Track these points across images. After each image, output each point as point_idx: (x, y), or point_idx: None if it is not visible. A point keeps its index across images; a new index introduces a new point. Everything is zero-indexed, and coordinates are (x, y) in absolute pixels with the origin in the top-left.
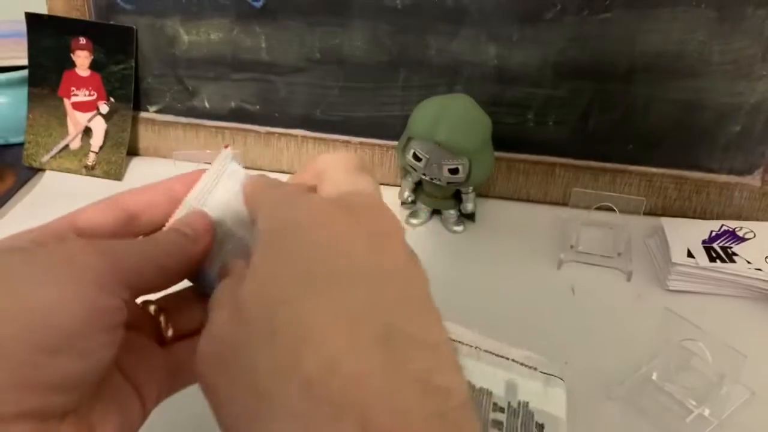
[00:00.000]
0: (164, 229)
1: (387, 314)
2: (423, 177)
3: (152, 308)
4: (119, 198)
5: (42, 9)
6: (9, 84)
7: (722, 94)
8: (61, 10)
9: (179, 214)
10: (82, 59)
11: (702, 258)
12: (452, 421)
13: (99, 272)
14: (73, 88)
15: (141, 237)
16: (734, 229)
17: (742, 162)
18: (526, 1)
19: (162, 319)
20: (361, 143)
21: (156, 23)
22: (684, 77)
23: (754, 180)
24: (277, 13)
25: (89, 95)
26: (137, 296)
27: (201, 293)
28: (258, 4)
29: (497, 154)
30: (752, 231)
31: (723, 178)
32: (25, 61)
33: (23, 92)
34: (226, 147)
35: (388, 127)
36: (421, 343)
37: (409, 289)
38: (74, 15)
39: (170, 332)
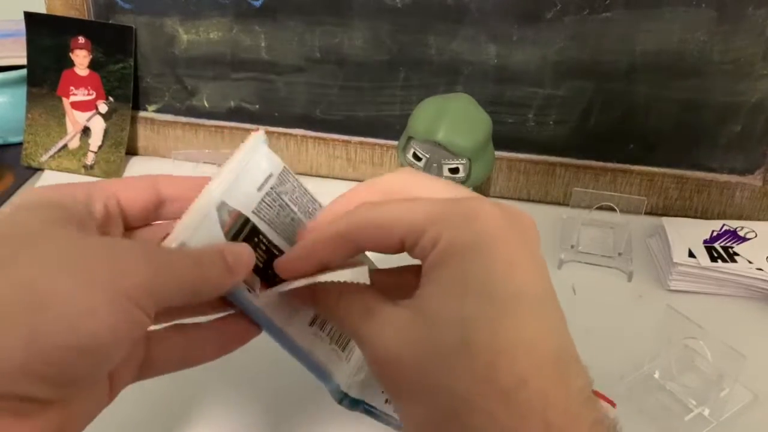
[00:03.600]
0: (205, 247)
1: (557, 335)
2: None
3: None
4: (157, 180)
5: (41, 8)
6: (8, 83)
7: (723, 94)
8: (60, 10)
9: (198, 203)
10: (81, 58)
11: (703, 258)
12: (607, 428)
13: (139, 284)
14: (71, 88)
15: (182, 247)
16: (735, 228)
17: (743, 161)
18: (527, 1)
19: None
20: (360, 143)
21: (155, 22)
22: (684, 77)
23: (755, 180)
24: (277, 12)
25: (88, 95)
26: (168, 307)
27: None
28: (257, 3)
29: (497, 153)
30: (753, 231)
31: (724, 177)
32: (23, 61)
33: (22, 92)
34: (257, 130)
35: (388, 127)
36: (578, 362)
37: (561, 310)
38: (73, 14)
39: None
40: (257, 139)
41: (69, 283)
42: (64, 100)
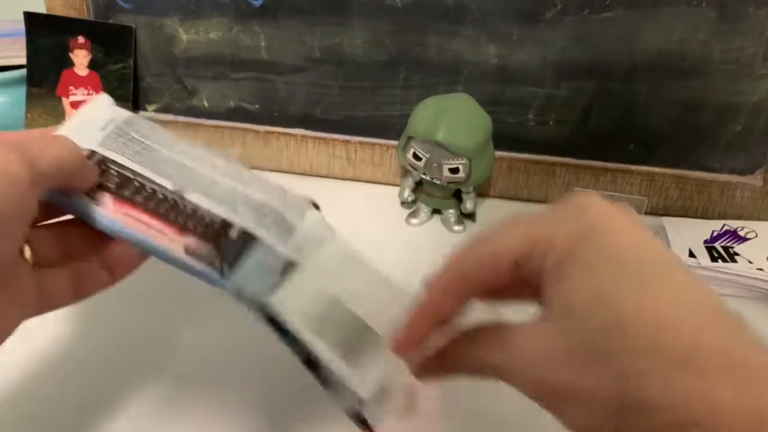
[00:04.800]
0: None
1: (708, 293)
2: (423, 177)
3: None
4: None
5: (40, 8)
6: (7, 83)
7: (723, 94)
8: (59, 10)
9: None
10: (80, 58)
11: (704, 258)
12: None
13: (18, 171)
14: (71, 88)
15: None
16: (736, 228)
17: (744, 161)
18: (527, 1)
19: (26, 250)
20: (360, 143)
21: (155, 22)
22: (685, 76)
23: (755, 179)
24: (277, 12)
25: (88, 94)
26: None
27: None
28: (257, 3)
29: (497, 153)
30: (754, 231)
31: (724, 177)
32: (23, 61)
33: (21, 91)
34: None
35: (388, 127)
36: (735, 315)
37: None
38: (73, 14)
39: (30, 258)
40: (100, 98)
41: None
42: (64, 100)
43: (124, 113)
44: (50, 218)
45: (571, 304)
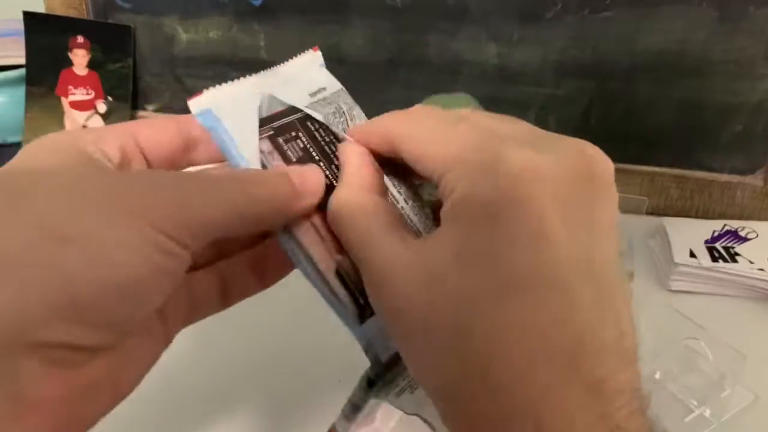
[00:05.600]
0: (259, 168)
1: (579, 325)
2: None
3: None
4: (184, 120)
5: (40, 8)
6: (7, 83)
7: (724, 94)
8: (58, 9)
9: (240, 88)
10: (79, 58)
11: (704, 258)
12: (616, 422)
13: (167, 213)
14: (70, 87)
15: (227, 171)
16: (736, 229)
17: (744, 161)
18: (527, 0)
19: None
20: None
21: (154, 22)
22: (685, 76)
23: (756, 179)
24: (277, 11)
25: (87, 94)
26: (212, 240)
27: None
28: (257, 2)
29: None
30: (755, 231)
31: (725, 177)
32: (22, 60)
33: (21, 91)
34: (314, 49)
35: None
36: (608, 346)
37: (606, 285)
38: (72, 14)
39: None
40: (314, 56)
41: (91, 216)
42: (63, 99)
43: (336, 84)
44: None
45: (432, 273)
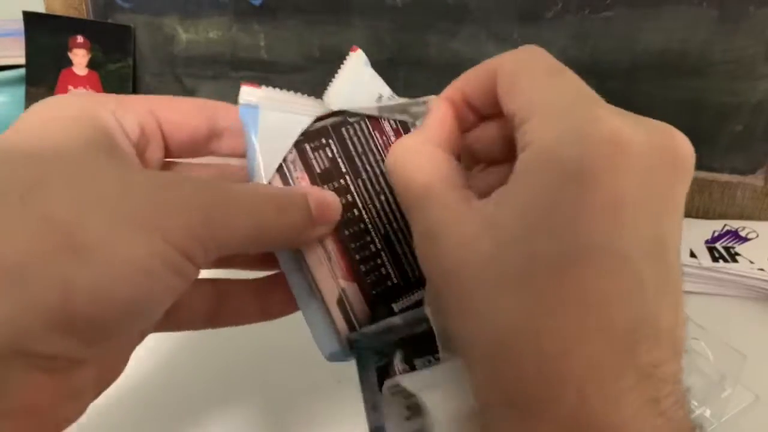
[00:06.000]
0: (286, 186)
1: (642, 306)
2: None
3: None
4: (211, 105)
5: (39, 7)
6: (6, 83)
7: (724, 94)
8: (58, 9)
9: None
10: (79, 58)
11: (704, 258)
12: (662, 409)
13: (188, 229)
14: (70, 87)
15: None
16: (737, 229)
17: (745, 161)
18: (527, 0)
19: None
20: None
21: (154, 22)
22: (685, 76)
23: (756, 180)
24: (277, 11)
25: None
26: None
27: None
28: (257, 2)
29: None
30: (755, 231)
31: (725, 177)
32: (22, 60)
33: (21, 91)
34: (353, 50)
35: None
36: (664, 333)
37: (671, 271)
38: (72, 13)
39: None
40: (359, 58)
41: (107, 224)
42: None
43: (387, 88)
44: None
45: (498, 231)
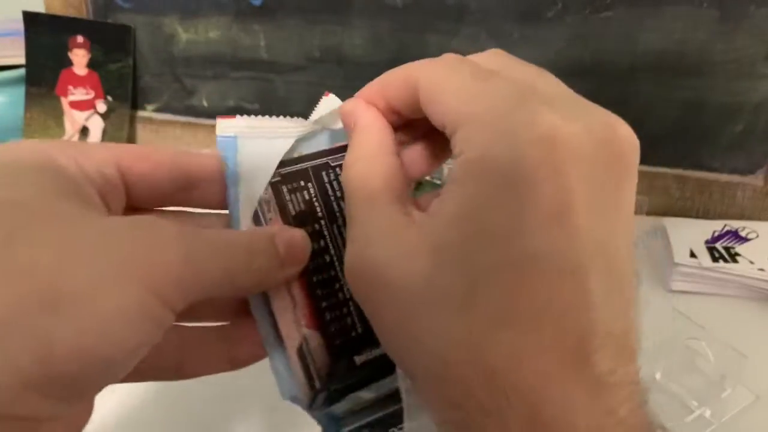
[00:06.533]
0: (255, 229)
1: (592, 314)
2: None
3: None
4: (182, 157)
5: (39, 7)
6: (6, 83)
7: (724, 94)
8: (58, 9)
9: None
10: (79, 58)
11: (705, 258)
12: (620, 418)
13: (171, 276)
14: (70, 87)
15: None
16: (737, 229)
17: (745, 161)
18: (527, 0)
19: None
20: None
21: (154, 21)
22: (686, 76)
23: (756, 180)
24: (277, 11)
25: (87, 94)
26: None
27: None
28: (257, 2)
29: None
30: (755, 231)
31: (725, 177)
32: (22, 60)
33: (20, 91)
34: (326, 95)
35: None
36: (616, 339)
37: (620, 275)
38: (72, 13)
39: None
40: (330, 102)
41: (88, 273)
42: (63, 99)
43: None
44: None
45: (433, 243)
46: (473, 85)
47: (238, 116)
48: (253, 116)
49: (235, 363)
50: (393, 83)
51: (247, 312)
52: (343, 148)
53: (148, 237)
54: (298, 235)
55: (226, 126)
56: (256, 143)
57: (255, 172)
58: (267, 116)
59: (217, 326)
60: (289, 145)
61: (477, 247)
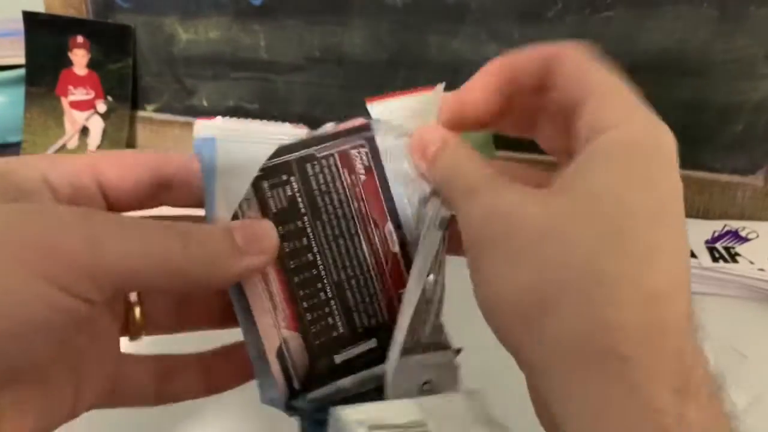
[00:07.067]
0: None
1: (687, 294)
2: None
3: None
4: (156, 157)
5: (39, 7)
6: (6, 83)
7: (725, 93)
8: (58, 9)
9: None
10: (79, 58)
11: (705, 258)
12: (696, 385)
13: (69, 263)
14: (70, 87)
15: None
16: (737, 229)
17: (745, 161)
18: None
19: (137, 311)
20: None
21: (154, 21)
22: (686, 76)
23: (756, 180)
24: (277, 11)
25: (87, 94)
26: (127, 292)
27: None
28: (257, 2)
29: (499, 153)
30: (755, 231)
31: (725, 177)
32: (22, 60)
33: (20, 91)
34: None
35: None
36: (692, 326)
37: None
38: (72, 13)
39: (142, 332)
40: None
41: None
42: (63, 99)
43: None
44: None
45: (581, 196)
46: (609, 73)
47: (218, 117)
48: (234, 118)
49: (212, 390)
50: (525, 52)
51: (235, 319)
52: (329, 137)
53: (41, 221)
54: (262, 225)
55: (204, 127)
56: (236, 146)
57: (233, 172)
58: (249, 119)
59: (197, 355)
60: (270, 151)
61: (630, 191)
